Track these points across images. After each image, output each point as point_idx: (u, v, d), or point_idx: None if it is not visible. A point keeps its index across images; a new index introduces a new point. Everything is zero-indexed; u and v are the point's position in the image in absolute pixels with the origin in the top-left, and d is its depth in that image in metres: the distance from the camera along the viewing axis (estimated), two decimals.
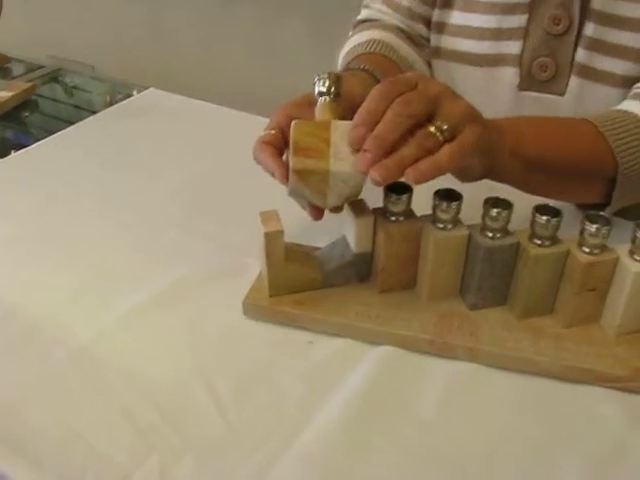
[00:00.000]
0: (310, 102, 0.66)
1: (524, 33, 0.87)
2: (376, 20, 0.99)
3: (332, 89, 0.64)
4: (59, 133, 0.99)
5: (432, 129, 0.58)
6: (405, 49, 0.93)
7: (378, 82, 0.69)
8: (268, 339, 0.63)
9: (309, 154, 0.58)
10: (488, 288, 0.64)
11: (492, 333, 0.63)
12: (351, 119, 0.59)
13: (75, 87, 1.22)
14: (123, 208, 0.81)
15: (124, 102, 1.08)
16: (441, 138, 0.58)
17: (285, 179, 0.61)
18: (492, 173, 0.67)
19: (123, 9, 2.36)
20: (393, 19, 0.98)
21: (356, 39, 0.94)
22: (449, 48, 0.94)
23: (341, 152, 0.58)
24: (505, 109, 0.91)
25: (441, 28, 0.95)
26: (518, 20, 0.87)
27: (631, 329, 0.64)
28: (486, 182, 0.66)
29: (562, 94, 0.88)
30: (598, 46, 0.84)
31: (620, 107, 0.78)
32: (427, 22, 0.97)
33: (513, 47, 0.88)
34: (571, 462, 0.55)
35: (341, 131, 0.58)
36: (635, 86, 0.82)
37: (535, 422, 0.58)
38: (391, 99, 0.58)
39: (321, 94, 0.64)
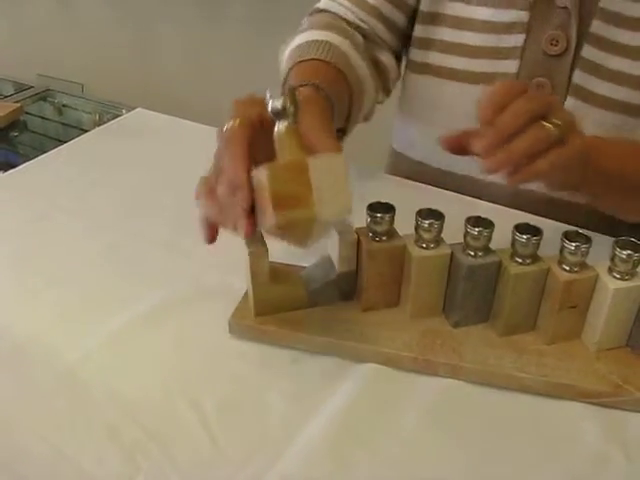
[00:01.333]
0: (259, 115, 0.61)
1: (521, 52, 0.87)
2: (333, 13, 0.95)
3: (291, 108, 0.57)
4: (48, 153, 0.99)
5: (547, 124, 0.61)
6: (359, 63, 0.89)
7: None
8: (253, 358, 0.64)
9: (290, 204, 0.53)
10: (470, 306, 0.65)
11: (475, 350, 0.64)
12: None
13: (64, 106, 1.23)
14: (110, 228, 0.81)
15: (112, 122, 1.09)
16: (556, 132, 0.61)
17: (251, 236, 0.59)
18: (579, 185, 0.71)
19: (111, 29, 2.38)
20: (353, 16, 0.94)
21: (311, 35, 0.88)
22: (439, 65, 0.93)
23: (324, 195, 0.53)
24: None
25: (428, 44, 0.94)
26: (515, 39, 0.87)
27: (611, 345, 0.65)
28: (468, 201, 0.67)
29: None
30: (595, 70, 0.85)
31: None
32: (391, 25, 0.95)
33: (509, 66, 0.88)
34: (553, 477, 0.55)
35: (320, 170, 0.54)
36: None
37: (517, 438, 0.58)
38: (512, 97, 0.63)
39: (278, 114, 0.57)
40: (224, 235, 0.71)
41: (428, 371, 0.63)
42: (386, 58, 0.97)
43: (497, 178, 0.75)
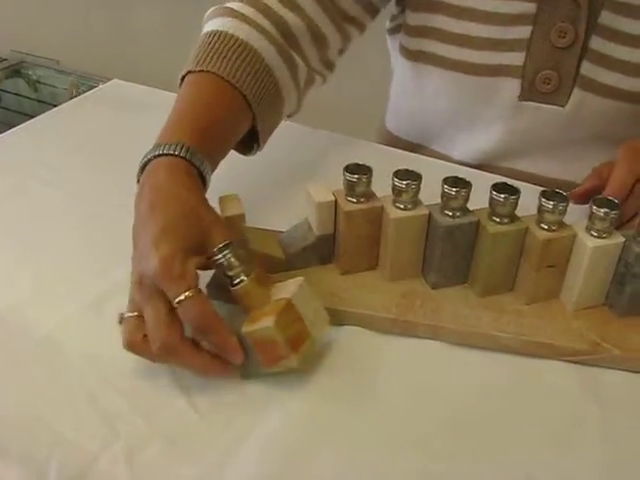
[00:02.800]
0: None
1: (527, 45, 0.85)
2: None
3: (240, 268, 0.56)
4: (22, 125, 0.98)
5: None
6: (275, 64, 0.77)
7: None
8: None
9: (300, 341, 0.55)
10: (449, 267, 0.65)
11: (454, 311, 0.64)
12: None
13: (39, 81, 1.21)
14: (87, 199, 0.81)
15: (87, 94, 1.08)
16: None
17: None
18: None
19: (86, 2, 2.35)
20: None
21: (227, 23, 0.76)
22: (439, 54, 0.91)
23: (312, 319, 0.57)
24: (503, 116, 0.91)
25: (423, 32, 0.91)
26: (521, 32, 0.85)
27: (589, 304, 0.65)
28: (444, 163, 0.67)
29: (563, 105, 0.88)
30: (603, 60, 0.84)
31: None
32: (367, 5, 0.88)
33: (515, 58, 0.86)
34: (532, 433, 0.56)
35: (300, 300, 0.56)
36: None
37: (496, 397, 0.59)
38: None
39: (232, 278, 0.56)
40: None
41: (407, 332, 0.63)
42: (328, 30, 0.85)
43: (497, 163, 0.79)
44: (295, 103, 0.84)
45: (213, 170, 0.67)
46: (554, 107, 0.88)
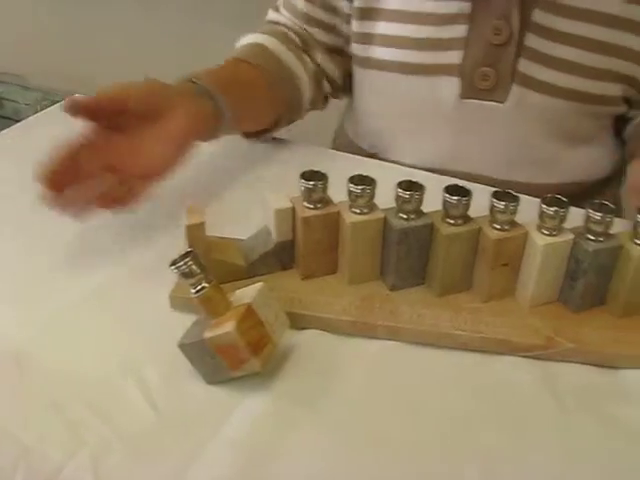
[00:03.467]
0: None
1: (465, 43, 0.88)
2: (279, 23, 1.01)
3: (197, 270, 0.57)
4: None
5: None
6: (286, 54, 0.95)
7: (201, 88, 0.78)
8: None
9: (261, 345, 0.57)
10: (406, 269, 0.66)
11: (412, 311, 0.65)
12: None
13: (2, 97, 1.21)
14: (48, 214, 0.81)
15: (49, 109, 1.08)
16: None
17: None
18: None
19: (50, 18, 2.35)
20: (291, 23, 1.00)
21: (242, 40, 0.97)
22: (382, 58, 0.94)
23: (273, 323, 0.58)
24: (446, 116, 0.93)
25: (368, 38, 0.94)
26: (458, 30, 0.88)
27: (544, 300, 0.67)
28: (400, 168, 0.69)
29: (503, 102, 0.90)
30: (539, 58, 0.87)
31: None
32: (327, 27, 0.98)
33: (454, 57, 0.89)
34: (491, 428, 0.57)
35: (260, 306, 0.57)
36: None
37: (456, 394, 0.60)
38: None
39: (187, 276, 0.57)
40: (164, 215, 0.72)
41: (367, 334, 0.64)
42: (321, 59, 0.99)
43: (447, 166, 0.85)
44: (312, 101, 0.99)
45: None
46: (494, 104, 0.90)
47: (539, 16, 0.85)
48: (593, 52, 0.86)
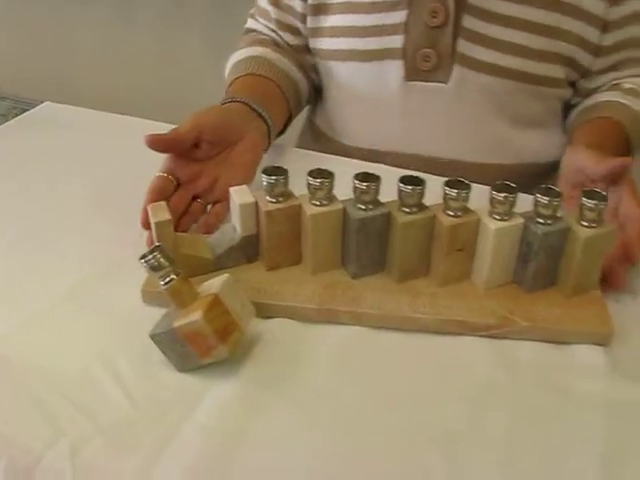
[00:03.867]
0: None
1: (405, 27, 0.93)
2: (257, 31, 1.08)
3: (166, 263, 0.60)
4: None
5: None
6: (281, 60, 1.02)
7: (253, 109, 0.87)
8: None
9: (228, 332, 0.60)
10: (366, 257, 0.70)
11: (373, 297, 0.68)
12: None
13: None
14: (21, 222, 0.83)
15: (19, 118, 1.10)
16: None
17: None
18: None
19: (20, 26, 2.37)
20: (267, 29, 1.06)
21: (240, 54, 1.03)
22: (332, 49, 1.00)
23: (239, 312, 0.62)
24: (394, 99, 0.98)
25: (319, 32, 1.01)
26: (399, 16, 0.93)
27: (498, 283, 0.70)
28: (357, 162, 0.72)
29: (446, 82, 0.94)
30: (477, 38, 0.91)
31: (626, 103, 0.93)
32: (294, 30, 1.05)
33: (396, 41, 0.94)
34: (451, 404, 0.61)
35: (226, 295, 0.61)
36: (622, 80, 0.97)
37: (416, 374, 0.63)
38: None
39: (155, 269, 0.60)
40: (134, 216, 0.75)
41: (331, 320, 0.67)
42: (301, 59, 1.07)
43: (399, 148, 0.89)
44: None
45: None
46: (438, 84, 0.95)
47: None
48: (532, 33, 0.91)
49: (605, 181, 0.73)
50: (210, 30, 2.11)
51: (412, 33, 0.93)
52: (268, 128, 0.89)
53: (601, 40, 0.94)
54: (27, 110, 1.14)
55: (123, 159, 0.95)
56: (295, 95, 1.03)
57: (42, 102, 1.16)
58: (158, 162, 0.78)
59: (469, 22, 0.91)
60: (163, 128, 0.79)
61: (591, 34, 0.93)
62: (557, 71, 0.95)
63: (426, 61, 0.94)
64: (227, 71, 1.04)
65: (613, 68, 0.98)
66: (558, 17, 0.91)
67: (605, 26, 0.93)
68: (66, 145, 1.01)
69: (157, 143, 0.75)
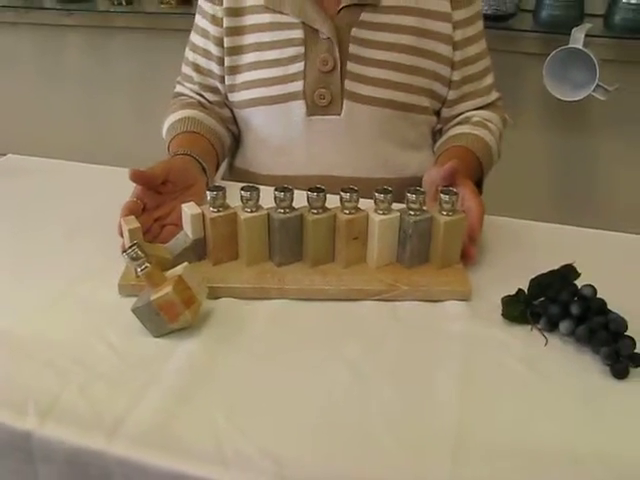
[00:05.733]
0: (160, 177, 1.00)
1: (304, 75, 1.19)
2: (184, 94, 1.33)
3: (142, 255, 0.81)
4: None
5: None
6: (207, 119, 1.26)
7: (199, 162, 1.11)
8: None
9: (191, 302, 0.81)
10: (287, 249, 0.93)
11: (294, 278, 0.91)
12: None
13: None
14: (16, 246, 1.02)
15: None
16: None
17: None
18: None
19: None
20: (192, 92, 1.32)
21: (175, 116, 1.26)
22: (246, 99, 1.25)
23: (197, 289, 0.83)
24: (299, 131, 1.23)
25: (235, 87, 1.26)
26: (298, 67, 1.19)
27: (386, 262, 0.94)
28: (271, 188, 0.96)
29: (339, 114, 1.21)
30: (359, 78, 1.19)
31: (476, 133, 1.22)
32: (214, 89, 1.30)
33: (298, 86, 1.20)
34: (353, 344, 0.82)
35: (188, 276, 0.82)
36: (472, 111, 1.27)
37: (328, 332, 0.85)
38: None
39: (134, 260, 0.81)
40: (113, 233, 0.95)
41: (263, 296, 0.89)
42: (221, 113, 1.32)
43: (306, 172, 1.19)
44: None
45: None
46: (333, 117, 1.22)
47: (354, 49, 1.18)
48: (399, 72, 1.19)
49: (445, 182, 0.98)
50: (136, 99, 2.35)
51: (309, 78, 1.20)
52: (208, 176, 1.13)
53: (452, 75, 1.25)
54: None
55: (89, 198, 1.16)
56: (221, 147, 1.27)
57: (2, 155, 1.34)
58: (113, 199, 0.97)
59: (352, 67, 1.19)
60: (118, 172, 1.03)
61: (443, 71, 1.24)
62: (423, 101, 1.24)
63: (322, 99, 1.20)
64: (165, 130, 1.27)
65: (463, 99, 1.28)
66: (418, 59, 1.20)
67: (453, 65, 1.24)
68: (31, 194, 1.19)
69: (138, 176, 0.96)
